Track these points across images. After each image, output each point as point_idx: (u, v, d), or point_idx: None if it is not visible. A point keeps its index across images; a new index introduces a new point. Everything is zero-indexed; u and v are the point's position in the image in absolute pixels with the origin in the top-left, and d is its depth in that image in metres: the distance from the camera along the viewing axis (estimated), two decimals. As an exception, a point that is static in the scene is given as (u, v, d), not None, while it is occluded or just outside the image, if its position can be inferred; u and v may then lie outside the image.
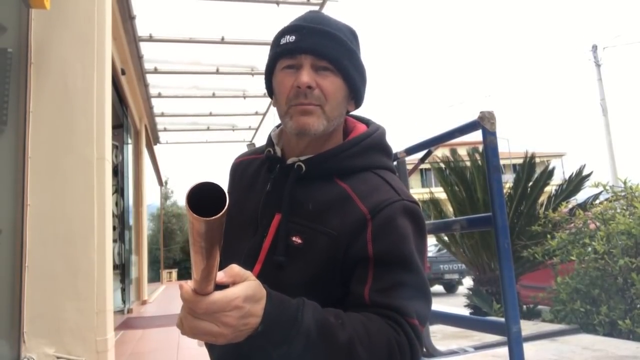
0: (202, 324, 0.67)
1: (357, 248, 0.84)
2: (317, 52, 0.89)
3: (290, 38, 0.91)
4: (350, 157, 0.93)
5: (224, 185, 0.50)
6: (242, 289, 0.68)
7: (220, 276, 0.67)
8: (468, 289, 6.08)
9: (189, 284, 0.67)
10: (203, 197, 0.43)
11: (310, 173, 0.92)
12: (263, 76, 1.02)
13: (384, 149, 0.99)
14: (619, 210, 4.10)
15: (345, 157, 0.93)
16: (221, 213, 0.42)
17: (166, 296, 11.28)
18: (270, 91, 1.00)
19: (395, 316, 0.80)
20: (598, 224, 4.09)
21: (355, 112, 1.05)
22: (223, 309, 0.66)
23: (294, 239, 0.88)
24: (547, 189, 5.61)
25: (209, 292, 0.65)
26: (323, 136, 0.93)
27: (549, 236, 4.42)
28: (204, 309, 0.66)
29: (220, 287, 0.67)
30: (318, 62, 0.90)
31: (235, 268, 0.69)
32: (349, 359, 0.75)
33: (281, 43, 0.92)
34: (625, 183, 4.17)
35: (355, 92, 0.97)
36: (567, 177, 5.68)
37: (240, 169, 1.10)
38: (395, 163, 2.71)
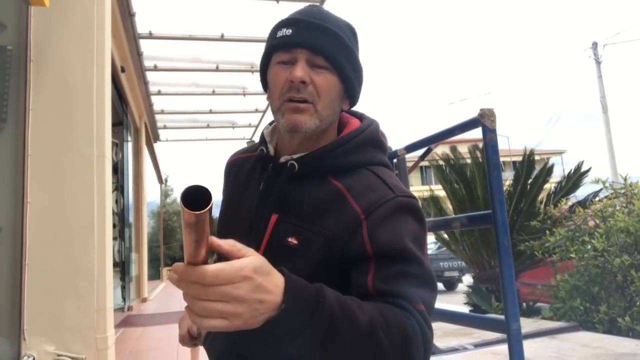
0: (212, 305, 0.61)
1: (355, 248, 0.82)
2: (313, 48, 0.87)
3: (287, 31, 0.89)
4: (343, 154, 0.91)
5: (216, 187, 0.56)
6: (249, 260, 0.63)
7: (217, 241, 0.63)
8: (468, 286, 6.09)
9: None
10: (195, 197, 0.55)
11: (303, 171, 0.90)
12: None
13: (378, 144, 0.97)
14: (618, 208, 4.10)
15: (338, 154, 0.90)
16: (206, 209, 0.54)
17: (166, 294, 11.30)
18: (265, 85, 0.98)
19: (402, 303, 0.76)
20: (598, 221, 4.10)
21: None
22: (231, 279, 0.60)
23: (289, 239, 0.86)
24: (547, 186, 5.62)
25: (202, 260, 0.61)
26: (316, 133, 0.91)
27: (547, 232, 4.43)
28: (210, 279, 0.60)
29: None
30: (314, 58, 0.88)
31: (232, 240, 0.65)
32: (371, 345, 0.69)
33: (277, 36, 0.90)
34: (625, 180, 4.16)
35: (350, 90, 0.95)
36: (566, 174, 5.69)
37: (235, 167, 1.09)
38: (395, 161, 2.71)
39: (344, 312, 0.68)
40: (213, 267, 0.60)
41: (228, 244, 0.64)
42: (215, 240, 0.62)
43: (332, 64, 0.89)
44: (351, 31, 0.95)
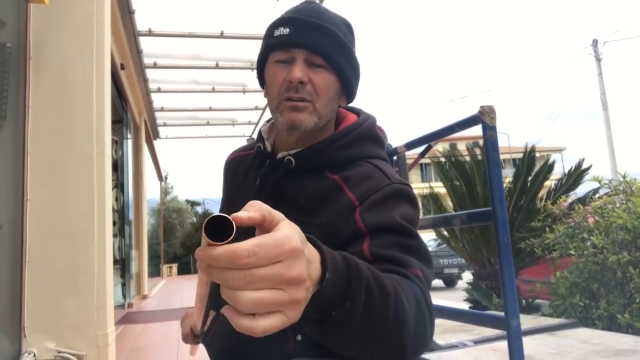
0: (262, 295, 0.45)
1: (349, 230, 0.82)
2: (311, 47, 0.88)
3: (284, 30, 0.89)
4: (340, 149, 0.91)
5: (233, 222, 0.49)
6: (291, 227, 0.49)
7: (246, 214, 0.47)
8: (468, 283, 6.09)
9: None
10: (218, 226, 0.47)
11: (300, 166, 0.91)
12: None
13: (375, 138, 0.97)
14: (618, 205, 4.10)
15: (335, 148, 0.91)
16: (229, 239, 0.46)
17: (166, 291, 11.32)
18: (262, 82, 0.98)
19: (400, 269, 0.73)
20: (597, 218, 4.10)
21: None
22: (277, 257, 0.46)
23: None
24: (547, 183, 5.61)
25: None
26: (314, 130, 0.91)
27: (547, 229, 4.43)
28: (246, 259, 0.44)
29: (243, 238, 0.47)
30: (311, 57, 0.88)
31: (259, 202, 0.50)
32: (395, 310, 0.62)
33: (274, 35, 0.90)
34: (624, 177, 4.17)
35: (347, 87, 0.95)
36: (567, 171, 5.68)
37: (234, 165, 1.10)
38: (395, 158, 2.71)
39: (375, 278, 0.60)
40: (247, 244, 0.45)
41: (260, 211, 0.48)
42: (243, 215, 0.47)
43: (330, 63, 0.89)
44: (347, 27, 0.95)
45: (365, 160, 0.92)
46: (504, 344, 1.78)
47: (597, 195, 5.07)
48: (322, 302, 0.53)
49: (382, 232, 0.79)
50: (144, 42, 5.81)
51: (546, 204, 4.82)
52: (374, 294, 0.59)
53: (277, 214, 0.50)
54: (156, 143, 10.99)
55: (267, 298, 0.45)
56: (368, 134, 0.96)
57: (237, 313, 0.46)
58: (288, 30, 0.89)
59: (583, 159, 5.56)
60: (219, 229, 0.46)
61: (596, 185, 4.90)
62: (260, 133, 1.02)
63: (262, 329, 0.46)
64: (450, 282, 12.75)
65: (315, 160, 0.91)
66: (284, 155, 0.93)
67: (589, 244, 3.94)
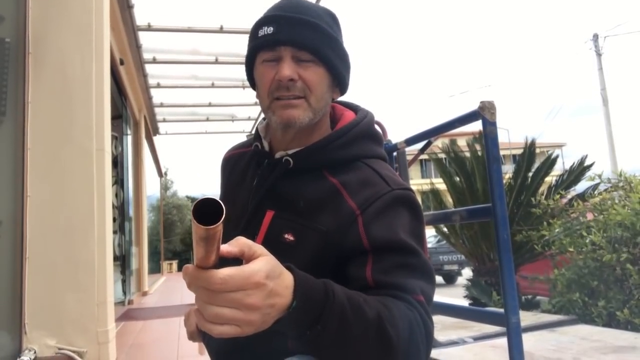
0: (223, 311, 0.57)
1: (352, 242, 0.81)
2: (297, 44, 0.87)
3: (268, 29, 0.88)
4: (339, 148, 0.90)
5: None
6: (261, 264, 0.59)
7: (227, 247, 0.59)
8: (467, 280, 6.10)
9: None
10: (207, 210, 0.53)
11: (298, 167, 0.90)
12: None
13: (374, 136, 0.96)
14: (617, 201, 4.10)
15: (333, 148, 0.90)
16: (218, 224, 0.52)
17: (167, 287, 11.33)
18: (253, 83, 0.98)
19: (402, 294, 0.76)
20: (596, 214, 4.10)
21: (344, 98, 1.02)
22: (242, 287, 0.57)
23: (286, 236, 0.87)
24: (547, 179, 5.60)
25: (212, 265, 0.57)
26: (309, 127, 0.90)
27: (545, 224, 4.43)
28: (219, 285, 0.56)
29: (229, 265, 0.58)
30: (299, 54, 0.87)
31: (242, 239, 0.61)
32: (378, 338, 0.68)
33: (259, 35, 0.90)
34: (620, 174, 4.17)
35: (339, 79, 0.94)
36: (567, 167, 5.68)
37: (230, 163, 1.09)
38: (395, 154, 2.70)
39: (353, 307, 0.67)
40: (221, 274, 0.56)
41: (239, 247, 0.60)
42: (224, 247, 0.59)
43: (318, 57, 0.88)
44: (332, 18, 0.94)
45: (364, 160, 0.91)
46: (503, 341, 1.78)
47: (596, 192, 5.07)
48: (292, 323, 0.64)
49: (385, 251, 0.79)
50: (143, 37, 5.79)
51: (543, 199, 4.81)
52: (347, 324, 0.66)
53: (258, 248, 0.61)
54: (156, 139, 10.98)
55: (225, 314, 0.57)
56: (366, 132, 0.95)
57: (203, 317, 0.59)
58: (272, 28, 0.88)
59: (586, 156, 5.55)
60: (209, 212, 0.53)
61: (595, 181, 4.90)
62: (257, 131, 1.01)
63: (218, 332, 0.58)
64: (449, 279, 12.76)
65: (313, 160, 0.90)
66: (282, 156, 0.92)
67: (587, 240, 3.94)
